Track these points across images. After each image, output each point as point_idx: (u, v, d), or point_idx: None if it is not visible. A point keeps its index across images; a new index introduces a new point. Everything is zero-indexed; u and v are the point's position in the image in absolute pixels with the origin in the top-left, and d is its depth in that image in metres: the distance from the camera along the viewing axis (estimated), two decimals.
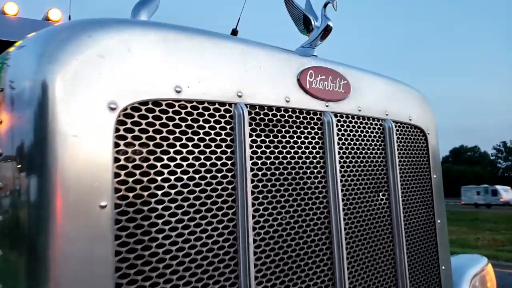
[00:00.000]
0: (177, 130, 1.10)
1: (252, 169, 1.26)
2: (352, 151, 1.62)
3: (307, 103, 1.45)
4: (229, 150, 1.21)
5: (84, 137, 0.92)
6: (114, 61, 0.98)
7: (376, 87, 1.82)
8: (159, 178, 1.05)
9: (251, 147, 1.26)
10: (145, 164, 1.03)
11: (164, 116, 1.08)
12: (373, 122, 1.74)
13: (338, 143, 1.55)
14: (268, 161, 1.31)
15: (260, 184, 1.28)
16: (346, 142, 1.60)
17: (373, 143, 1.72)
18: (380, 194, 1.74)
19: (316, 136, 1.48)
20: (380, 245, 1.70)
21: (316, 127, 1.49)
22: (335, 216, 1.49)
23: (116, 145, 0.98)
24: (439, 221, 2.07)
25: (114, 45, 0.99)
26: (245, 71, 1.28)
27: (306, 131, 1.45)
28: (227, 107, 1.22)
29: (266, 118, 1.33)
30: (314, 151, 1.46)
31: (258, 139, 1.29)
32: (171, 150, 1.08)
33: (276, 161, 1.34)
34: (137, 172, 1.02)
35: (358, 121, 1.67)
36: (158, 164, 1.05)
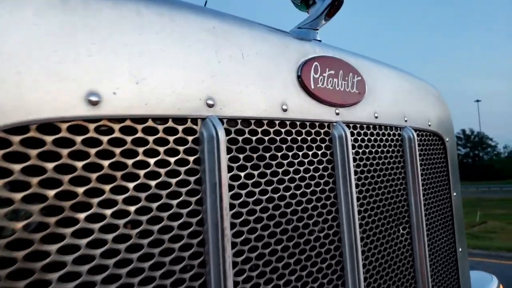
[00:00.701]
0: (94, 176, 0.59)
1: (233, 226, 0.77)
2: (369, 175, 1.16)
3: (312, 110, 0.97)
4: (193, 200, 0.71)
5: None
6: None
7: (392, 84, 1.36)
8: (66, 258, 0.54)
9: (231, 188, 0.77)
10: (28, 250, 0.51)
11: (65, 152, 0.56)
12: (391, 132, 1.29)
13: (353, 165, 1.08)
14: (258, 208, 0.83)
15: (245, 248, 0.79)
16: (362, 163, 1.13)
17: (391, 161, 1.27)
18: (400, 228, 1.31)
19: (324, 159, 1.01)
20: None
21: (323, 145, 1.01)
22: (351, 274, 1.03)
23: None
24: (460, 250, 1.67)
25: None
26: (219, 63, 0.77)
27: (310, 153, 0.97)
28: (189, 124, 0.72)
29: (254, 138, 0.83)
30: (322, 181, 0.99)
31: (242, 174, 0.80)
32: (81, 217, 0.57)
33: (270, 206, 0.85)
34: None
35: (375, 132, 1.21)
36: (53, 247, 0.54)
